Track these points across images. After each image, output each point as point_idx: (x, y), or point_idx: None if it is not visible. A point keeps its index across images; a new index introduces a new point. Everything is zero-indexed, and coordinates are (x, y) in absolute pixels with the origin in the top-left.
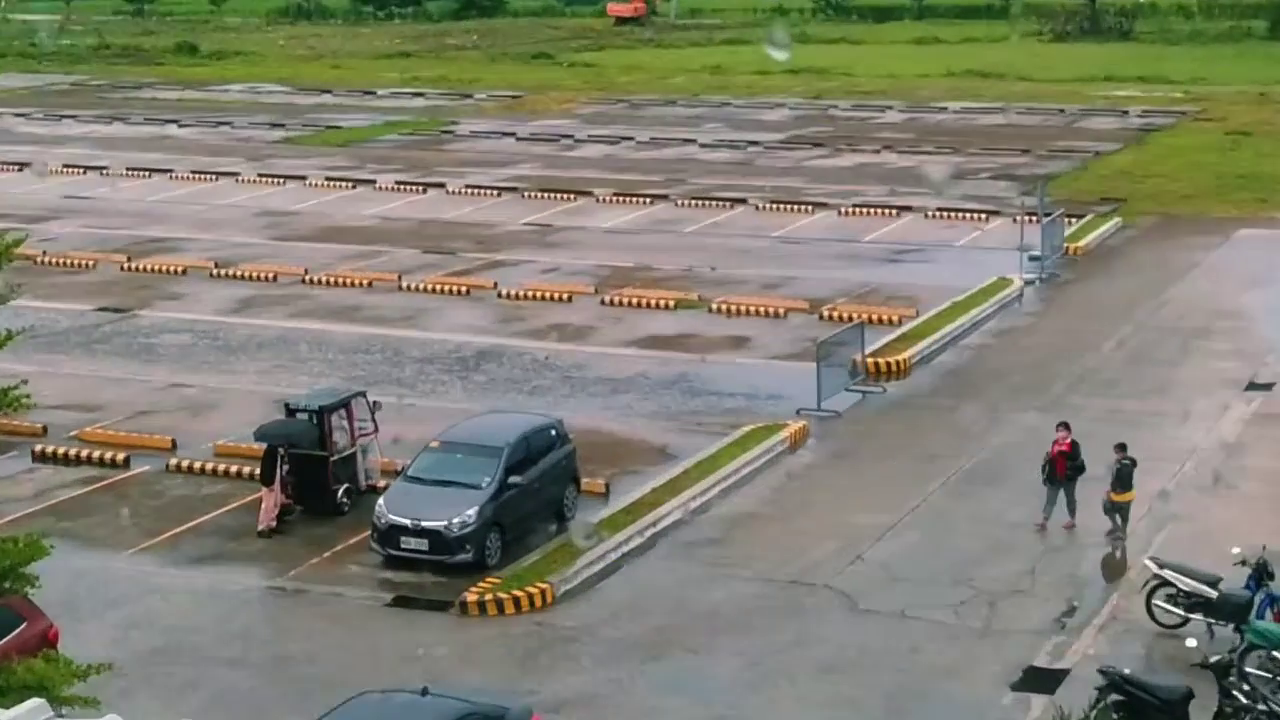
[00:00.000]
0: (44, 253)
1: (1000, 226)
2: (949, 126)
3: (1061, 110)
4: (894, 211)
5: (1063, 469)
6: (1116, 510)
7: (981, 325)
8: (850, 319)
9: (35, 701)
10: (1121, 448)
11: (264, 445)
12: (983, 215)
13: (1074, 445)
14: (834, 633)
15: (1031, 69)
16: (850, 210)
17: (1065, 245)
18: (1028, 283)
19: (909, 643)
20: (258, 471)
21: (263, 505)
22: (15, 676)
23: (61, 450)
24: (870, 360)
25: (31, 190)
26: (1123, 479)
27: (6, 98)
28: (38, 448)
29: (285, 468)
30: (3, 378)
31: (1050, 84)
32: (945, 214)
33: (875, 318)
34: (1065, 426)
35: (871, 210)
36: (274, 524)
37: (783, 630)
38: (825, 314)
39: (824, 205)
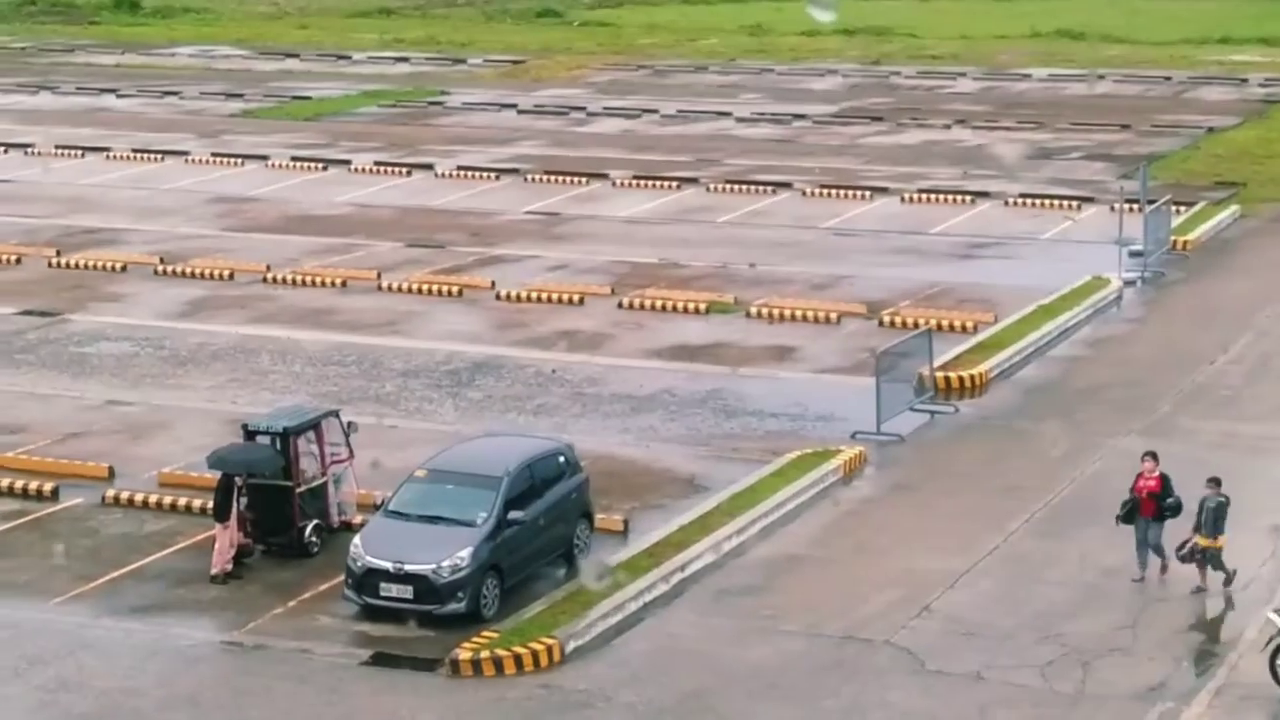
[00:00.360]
0: None
1: (1095, 216)
2: (1032, 97)
3: (1167, 78)
4: (967, 198)
5: (1152, 510)
6: (1206, 559)
7: (1072, 333)
8: (916, 325)
9: None
10: (1215, 482)
11: (218, 475)
12: (1074, 203)
13: (1164, 480)
14: (896, 698)
15: (1131, 29)
16: (915, 196)
17: (1172, 238)
18: (1127, 283)
19: (985, 710)
20: (210, 505)
21: (216, 545)
22: None
23: None
24: (940, 374)
25: None
26: (1215, 520)
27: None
28: None
29: (243, 501)
30: None
31: (1154, 46)
32: (1029, 201)
33: (946, 324)
34: (1153, 457)
35: (940, 197)
36: (229, 567)
37: (835, 695)
38: (886, 319)
39: (883, 190)
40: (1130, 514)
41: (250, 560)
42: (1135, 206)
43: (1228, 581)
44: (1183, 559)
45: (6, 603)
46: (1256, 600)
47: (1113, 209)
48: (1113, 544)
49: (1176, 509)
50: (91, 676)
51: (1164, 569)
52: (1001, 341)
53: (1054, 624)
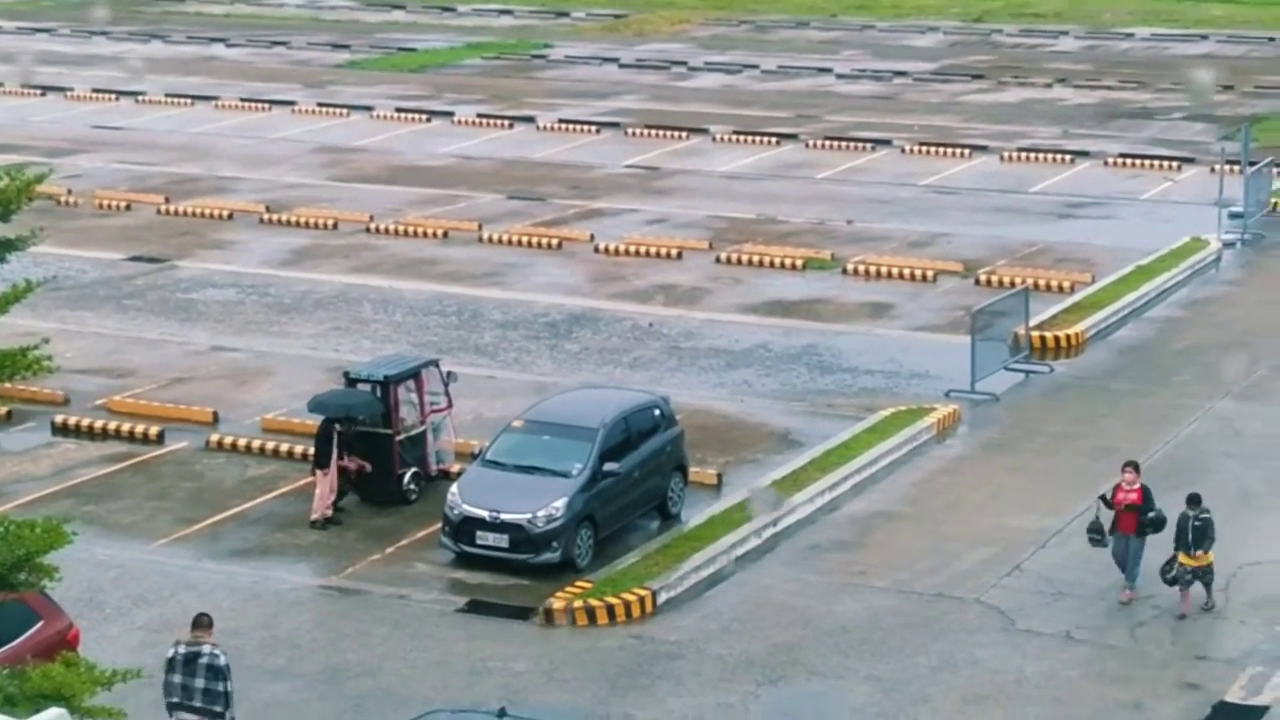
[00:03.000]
0: (69, 191)
1: (1195, 177)
2: (1136, 56)
3: (1271, 39)
4: (1067, 158)
5: (1132, 524)
6: (1198, 577)
7: (1170, 294)
8: (1012, 284)
9: (54, 711)
10: (1195, 500)
11: (319, 420)
12: (1174, 163)
13: (1146, 492)
14: (985, 656)
15: None
16: (1014, 155)
17: (1272, 200)
18: (1226, 245)
19: (1075, 670)
20: (310, 452)
21: (316, 491)
22: (30, 683)
23: (85, 422)
24: (1035, 334)
25: (55, 119)
26: (1201, 536)
27: (26, 11)
28: (58, 418)
29: (344, 448)
30: (19, 336)
31: (1260, 7)
32: (1129, 161)
33: (1042, 283)
34: (1134, 468)
35: (1040, 155)
36: (329, 513)
37: (925, 652)
38: (982, 278)
39: (983, 149)
40: (1100, 534)
41: (343, 505)
42: (1236, 168)
43: (1209, 605)
44: (1169, 581)
45: (113, 543)
46: None
47: (1213, 170)
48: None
49: (1159, 524)
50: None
51: (1131, 589)
52: (1098, 302)
53: (1145, 587)
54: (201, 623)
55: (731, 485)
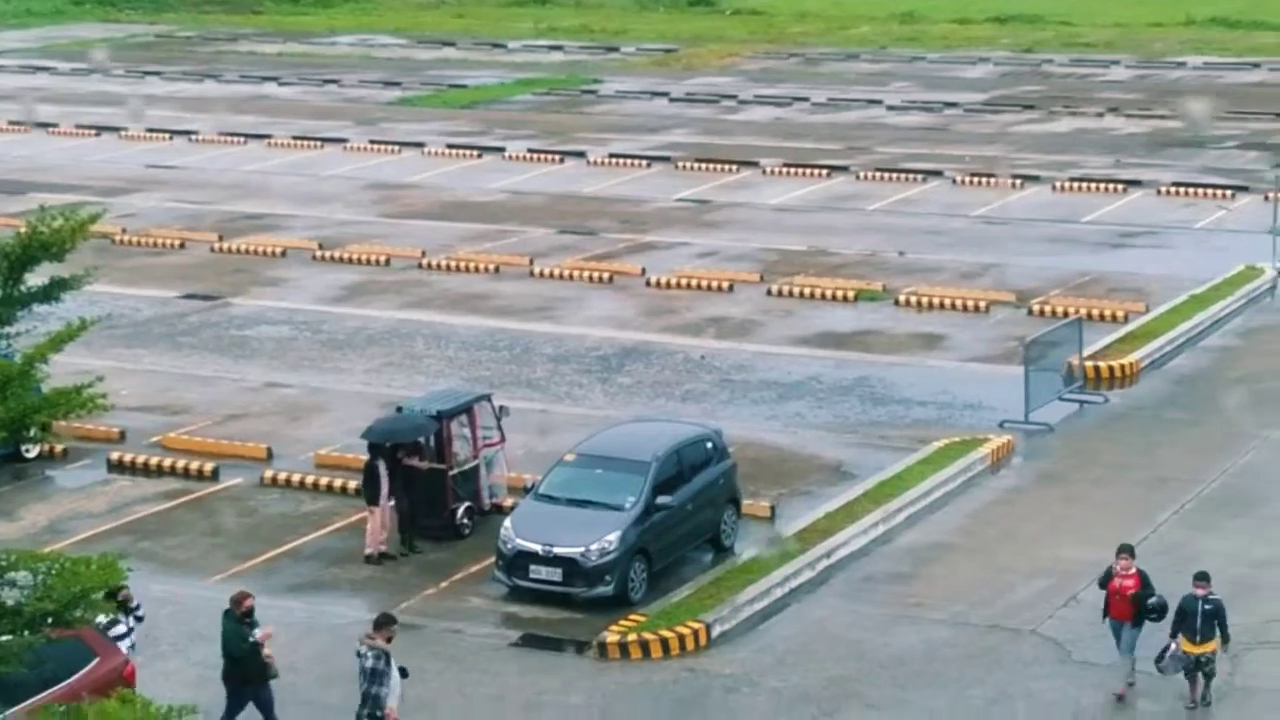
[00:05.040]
0: (123, 230)
1: (1249, 205)
2: (1188, 85)
3: None
4: (1119, 187)
5: (1128, 612)
6: (1200, 666)
7: (1225, 323)
8: (1066, 314)
9: None
10: (1204, 579)
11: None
12: (1228, 192)
13: (1143, 578)
14: (1042, 688)
15: None
16: (1066, 185)
17: None
18: None
19: (1132, 702)
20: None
21: (368, 526)
22: None
23: (141, 459)
24: (1090, 364)
25: (110, 159)
26: (1211, 622)
27: (82, 51)
28: (114, 456)
29: (393, 479)
30: (75, 374)
31: None
32: (1182, 190)
33: (1096, 313)
34: (1128, 553)
35: (1092, 185)
36: (384, 548)
37: (981, 684)
38: (1035, 308)
39: (1034, 179)
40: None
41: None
42: None
43: (1206, 700)
44: (1164, 670)
45: (169, 579)
46: None
47: (1267, 198)
48: (1264, 536)
49: (1161, 610)
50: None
51: (1129, 685)
52: (1153, 331)
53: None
54: (376, 622)
55: (785, 518)
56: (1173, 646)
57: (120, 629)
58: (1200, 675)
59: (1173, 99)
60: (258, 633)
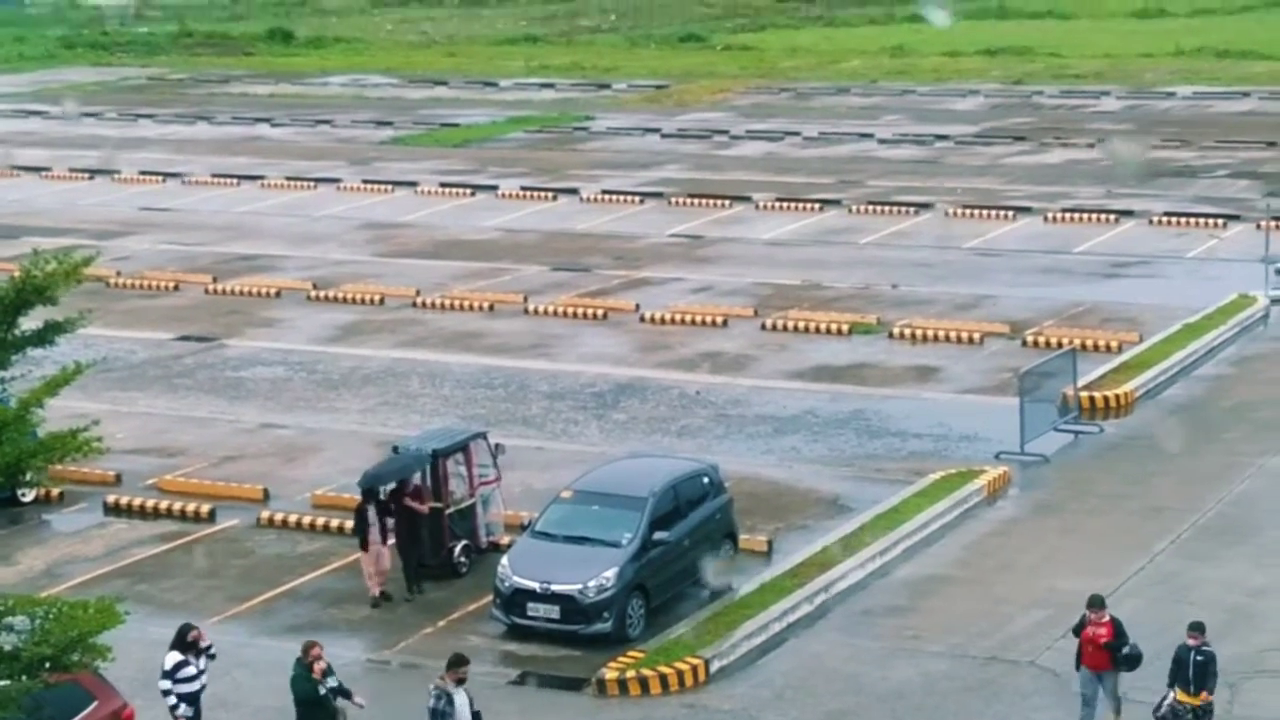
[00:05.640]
0: (118, 273)
1: (1241, 234)
2: (1178, 115)
3: None
4: (1112, 217)
5: (1104, 661)
6: (1197, 715)
7: (1218, 352)
8: (1060, 345)
9: None
10: (1198, 629)
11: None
12: (1220, 221)
13: (1116, 626)
14: (1042, 719)
15: (1276, 46)
16: (1058, 216)
17: None
18: (1274, 301)
19: None
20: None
21: (370, 571)
22: None
23: (137, 502)
24: (1084, 394)
25: (103, 202)
26: (1203, 675)
27: (75, 94)
28: (110, 499)
29: (388, 519)
30: (71, 418)
31: None
32: (1174, 220)
33: (1090, 344)
34: (1100, 605)
35: (1084, 216)
36: (377, 591)
37: (980, 716)
38: (1029, 339)
39: (1026, 210)
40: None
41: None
42: None
43: None
44: (1162, 719)
45: (166, 622)
46: None
47: (1259, 226)
48: (1260, 565)
49: (1135, 660)
50: (248, 694)
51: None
52: (1147, 361)
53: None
54: (448, 662)
55: (782, 553)
56: (1170, 696)
57: (190, 670)
58: None
59: (1168, 128)
60: (330, 681)
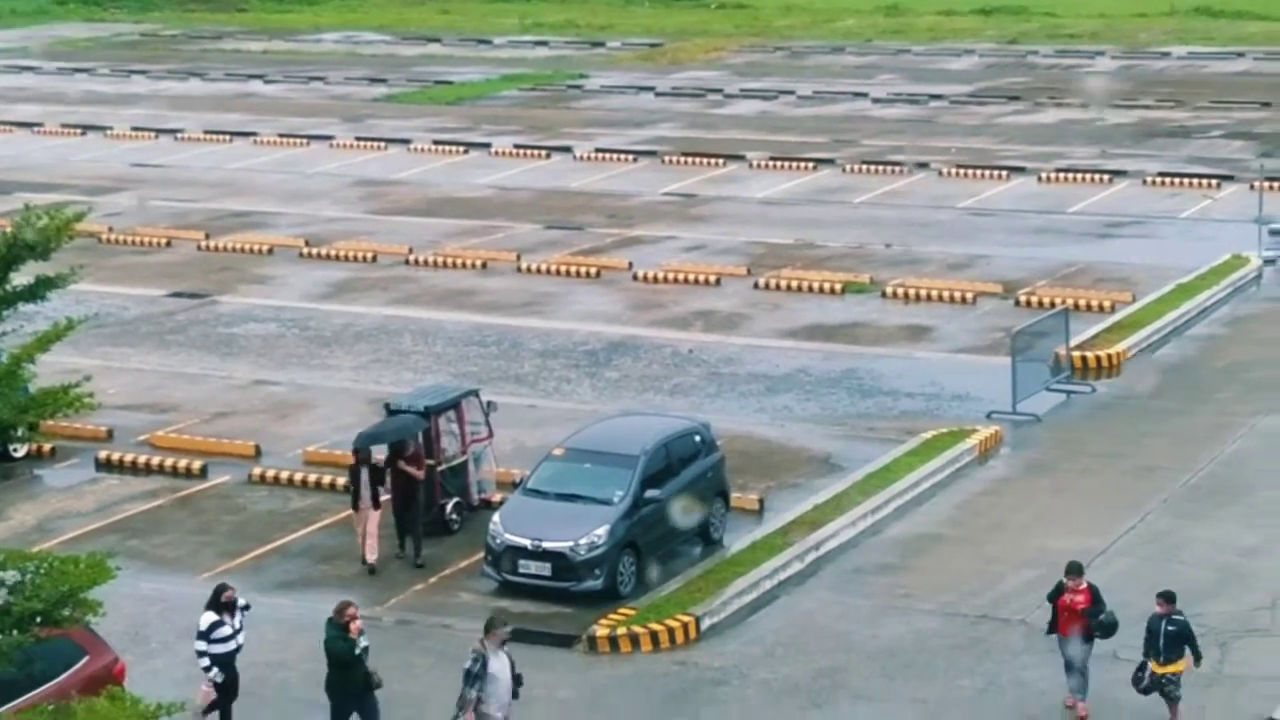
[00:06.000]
0: (109, 229)
1: (1234, 194)
2: (1173, 76)
3: None
4: (1105, 177)
5: (1080, 627)
6: (1160, 687)
7: (1211, 312)
8: (1052, 305)
9: None
10: (1168, 598)
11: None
12: (1213, 181)
13: (1094, 592)
14: (1032, 678)
15: (1270, 6)
16: (1052, 176)
17: None
18: (1267, 262)
19: (1123, 690)
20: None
21: (361, 531)
22: (75, 718)
23: (129, 458)
24: (1076, 354)
25: (95, 158)
26: (1176, 644)
27: (67, 50)
28: (102, 454)
29: (379, 486)
30: (62, 374)
31: None
32: (1168, 180)
33: (1083, 303)
34: (1079, 572)
35: (1078, 176)
36: (371, 556)
37: (971, 674)
38: (1022, 299)
39: (1020, 170)
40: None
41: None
42: (1275, 184)
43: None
44: (1144, 691)
45: (157, 577)
46: None
47: (1252, 187)
48: (1252, 524)
49: (1111, 627)
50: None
51: (1077, 708)
52: (1139, 321)
53: (1192, 604)
54: (484, 625)
55: (774, 511)
56: (1147, 666)
57: (225, 630)
58: (1165, 698)
59: (1163, 89)
60: (363, 641)
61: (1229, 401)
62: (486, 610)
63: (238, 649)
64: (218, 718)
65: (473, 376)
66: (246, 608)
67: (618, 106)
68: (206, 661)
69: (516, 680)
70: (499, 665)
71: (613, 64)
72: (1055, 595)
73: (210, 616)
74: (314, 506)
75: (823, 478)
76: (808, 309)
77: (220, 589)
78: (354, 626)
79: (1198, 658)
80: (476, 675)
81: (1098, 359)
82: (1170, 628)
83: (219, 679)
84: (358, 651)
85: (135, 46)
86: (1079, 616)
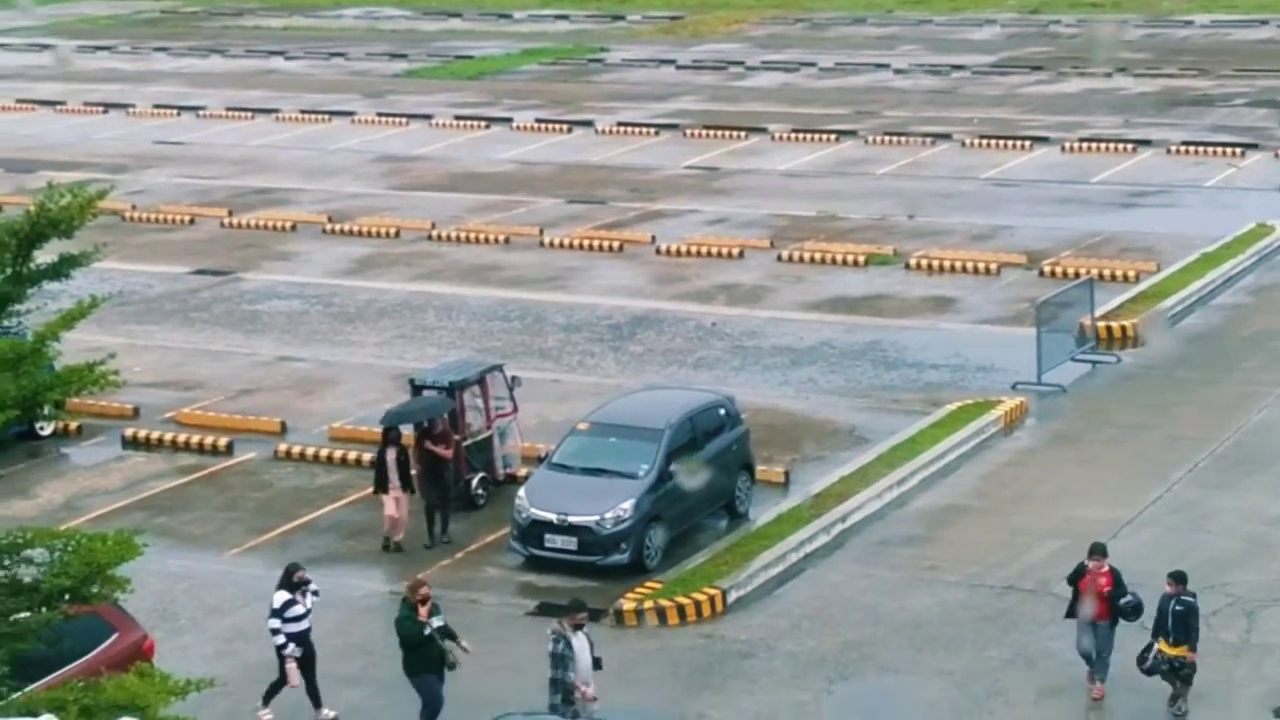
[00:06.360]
0: (133, 207)
1: (1259, 163)
2: (1196, 44)
3: None
4: (1129, 147)
5: (1105, 612)
6: (1175, 669)
7: (1236, 281)
8: (1077, 275)
9: None
10: (1179, 579)
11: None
12: (1237, 150)
13: (1116, 576)
14: (1059, 648)
15: None
16: (1075, 145)
17: None
18: None
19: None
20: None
21: (390, 515)
22: (105, 694)
23: (155, 435)
24: (1101, 324)
25: (117, 135)
26: (1183, 626)
27: (88, 29)
28: (128, 432)
29: (406, 468)
30: (87, 352)
31: None
32: (1192, 149)
33: (1107, 273)
34: (1102, 553)
35: (1101, 145)
36: (398, 536)
37: (997, 645)
38: (1046, 270)
39: (1044, 140)
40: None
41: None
42: None
43: (1180, 708)
44: (1147, 671)
45: (185, 555)
46: None
47: (1276, 155)
48: (1278, 493)
49: (1137, 610)
50: (266, 626)
51: (1102, 682)
52: (1164, 290)
53: (1219, 574)
54: (564, 607)
55: (799, 483)
56: (1155, 646)
57: (298, 609)
58: (1176, 679)
59: (1186, 57)
60: (435, 621)
61: (1255, 370)
62: (513, 585)
63: (309, 628)
64: (270, 695)
65: (496, 351)
66: (316, 594)
67: (639, 80)
68: (282, 639)
69: (595, 663)
70: (580, 646)
71: (633, 37)
72: (1076, 577)
73: (283, 595)
74: (340, 482)
75: (848, 450)
76: (831, 281)
77: (292, 567)
78: (422, 610)
79: (1192, 645)
80: (562, 656)
81: (1123, 329)
82: (1178, 608)
83: (298, 653)
84: (427, 632)
85: (156, 24)
86: (1102, 599)
